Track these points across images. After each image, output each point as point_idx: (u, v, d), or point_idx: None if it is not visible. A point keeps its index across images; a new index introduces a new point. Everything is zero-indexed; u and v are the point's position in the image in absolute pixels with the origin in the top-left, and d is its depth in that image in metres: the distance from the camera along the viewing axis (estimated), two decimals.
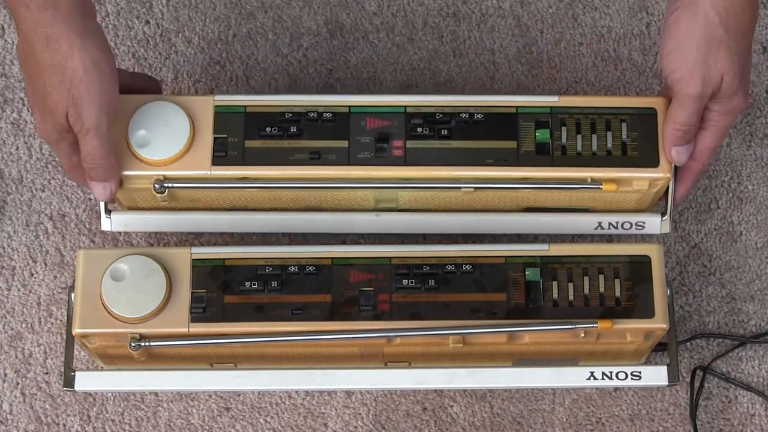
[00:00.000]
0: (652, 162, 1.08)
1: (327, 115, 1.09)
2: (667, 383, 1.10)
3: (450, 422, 1.17)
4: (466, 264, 1.07)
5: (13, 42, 1.27)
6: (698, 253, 1.22)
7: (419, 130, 1.09)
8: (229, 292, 1.06)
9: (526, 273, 1.06)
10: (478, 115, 1.09)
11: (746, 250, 1.22)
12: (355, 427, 1.17)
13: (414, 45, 1.28)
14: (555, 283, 1.06)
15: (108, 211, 1.13)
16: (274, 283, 1.06)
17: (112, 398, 1.18)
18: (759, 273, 1.21)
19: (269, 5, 1.29)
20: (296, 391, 1.18)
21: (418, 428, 1.17)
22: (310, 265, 1.07)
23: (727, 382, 1.18)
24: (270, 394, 1.18)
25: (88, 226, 1.21)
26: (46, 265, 1.21)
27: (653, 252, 1.07)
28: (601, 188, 1.07)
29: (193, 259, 1.07)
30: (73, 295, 1.07)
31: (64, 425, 1.17)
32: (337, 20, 1.28)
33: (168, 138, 1.08)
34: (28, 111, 1.24)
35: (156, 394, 1.18)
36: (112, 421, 1.17)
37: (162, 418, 1.17)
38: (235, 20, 1.28)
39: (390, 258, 1.07)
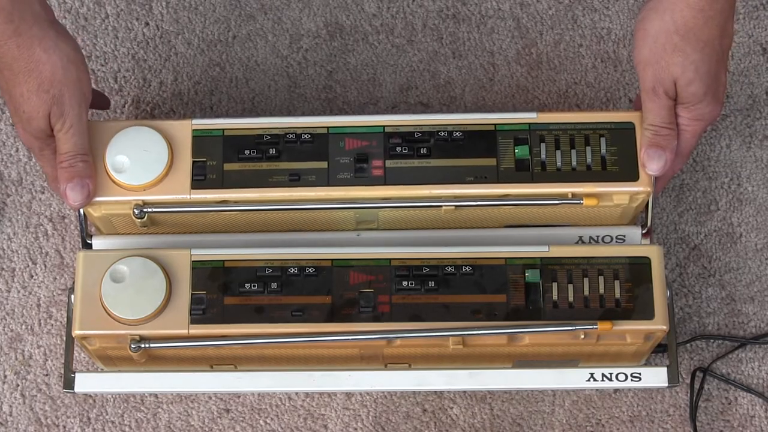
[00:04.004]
0: (632, 176, 1.08)
1: (305, 136, 1.09)
2: (667, 385, 1.10)
3: (450, 424, 1.17)
4: (466, 265, 1.07)
5: None
6: (698, 255, 1.22)
7: (398, 149, 1.09)
8: (229, 293, 1.06)
9: (526, 274, 1.07)
10: (457, 133, 1.09)
11: (746, 251, 1.22)
12: (355, 429, 1.17)
13: (414, 47, 1.28)
14: (555, 285, 1.06)
15: (89, 236, 1.12)
16: (274, 285, 1.06)
17: (112, 400, 1.18)
18: (759, 274, 1.21)
19: (269, 7, 1.29)
20: (296, 393, 1.18)
21: (418, 430, 1.17)
22: (309, 267, 1.07)
23: (727, 383, 1.18)
24: (270, 396, 1.18)
25: None
26: (45, 266, 1.21)
27: (653, 253, 1.07)
28: (582, 203, 1.08)
29: (192, 261, 1.07)
30: (72, 296, 1.07)
31: (64, 427, 1.17)
32: (337, 22, 1.28)
33: (146, 163, 1.07)
34: None
35: (156, 395, 1.18)
36: (112, 422, 1.17)
37: (162, 419, 1.17)
38: (235, 22, 1.28)
39: (390, 259, 1.07)
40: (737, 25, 1.28)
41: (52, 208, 1.22)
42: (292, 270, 1.07)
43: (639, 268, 1.07)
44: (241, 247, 1.09)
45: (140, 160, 1.07)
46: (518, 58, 1.27)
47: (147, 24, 1.28)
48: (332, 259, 1.07)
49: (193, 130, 1.09)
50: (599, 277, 1.06)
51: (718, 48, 1.02)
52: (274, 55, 1.27)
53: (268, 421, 1.17)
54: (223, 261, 1.07)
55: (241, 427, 1.17)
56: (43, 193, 1.23)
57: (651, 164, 1.07)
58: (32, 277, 1.20)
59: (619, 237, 1.12)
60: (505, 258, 1.07)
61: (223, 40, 1.28)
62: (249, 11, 1.29)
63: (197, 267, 1.07)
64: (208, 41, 1.28)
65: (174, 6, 1.29)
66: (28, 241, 1.21)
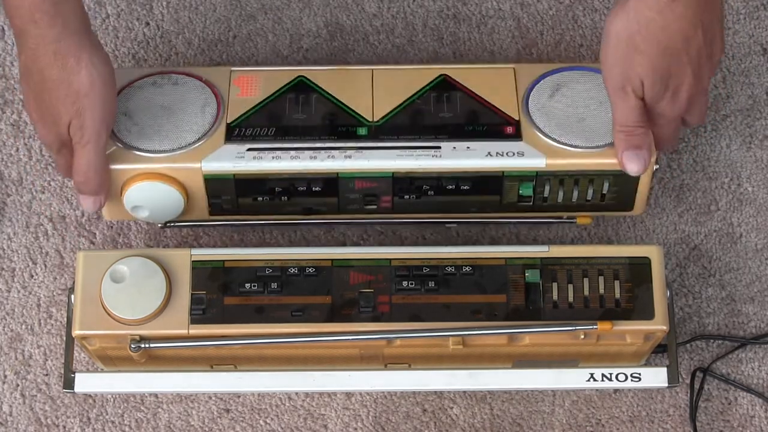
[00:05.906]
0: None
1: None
2: (666, 385, 1.10)
3: (450, 424, 1.17)
4: (466, 265, 1.07)
5: (13, 42, 1.27)
6: (698, 255, 1.22)
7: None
8: (229, 293, 1.06)
9: (526, 274, 1.07)
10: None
11: (746, 251, 1.22)
12: (355, 429, 1.17)
13: (414, 47, 1.28)
14: (555, 285, 1.06)
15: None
16: (274, 285, 1.06)
17: (112, 400, 1.18)
18: (759, 274, 1.21)
19: (269, 7, 1.29)
20: (296, 393, 1.18)
21: (418, 430, 1.17)
22: (309, 267, 1.07)
23: (727, 383, 1.18)
24: (270, 396, 1.18)
25: (87, 228, 1.21)
26: (45, 266, 1.21)
27: (653, 253, 1.07)
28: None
29: (192, 261, 1.07)
30: (72, 296, 1.07)
31: (64, 427, 1.17)
32: (337, 22, 1.28)
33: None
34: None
35: (156, 395, 1.18)
36: (112, 422, 1.17)
37: (162, 419, 1.17)
38: (236, 22, 1.28)
39: (390, 259, 1.07)
40: (738, 25, 1.28)
41: (52, 208, 1.22)
42: (292, 270, 1.07)
43: (639, 268, 1.07)
44: (241, 247, 1.09)
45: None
46: (518, 58, 1.27)
47: (147, 24, 1.28)
48: (332, 259, 1.07)
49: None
50: (599, 277, 1.06)
51: (681, 50, 1.02)
52: (274, 55, 1.27)
53: (268, 421, 1.17)
54: (223, 261, 1.07)
55: (241, 427, 1.17)
56: (43, 193, 1.23)
57: (631, 166, 1.07)
58: (32, 277, 1.20)
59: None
60: (505, 258, 1.07)
61: (223, 40, 1.28)
62: (249, 11, 1.29)
63: (197, 267, 1.07)
64: (209, 41, 1.28)
65: (174, 6, 1.29)
66: (28, 241, 1.21)
